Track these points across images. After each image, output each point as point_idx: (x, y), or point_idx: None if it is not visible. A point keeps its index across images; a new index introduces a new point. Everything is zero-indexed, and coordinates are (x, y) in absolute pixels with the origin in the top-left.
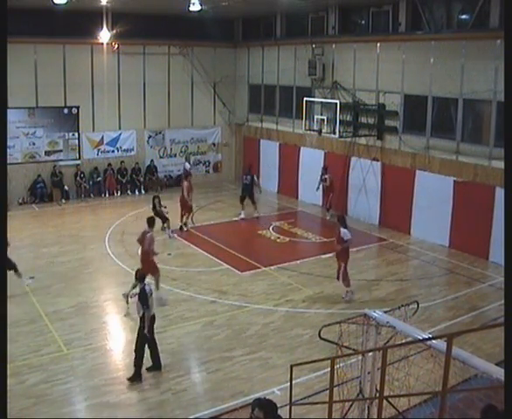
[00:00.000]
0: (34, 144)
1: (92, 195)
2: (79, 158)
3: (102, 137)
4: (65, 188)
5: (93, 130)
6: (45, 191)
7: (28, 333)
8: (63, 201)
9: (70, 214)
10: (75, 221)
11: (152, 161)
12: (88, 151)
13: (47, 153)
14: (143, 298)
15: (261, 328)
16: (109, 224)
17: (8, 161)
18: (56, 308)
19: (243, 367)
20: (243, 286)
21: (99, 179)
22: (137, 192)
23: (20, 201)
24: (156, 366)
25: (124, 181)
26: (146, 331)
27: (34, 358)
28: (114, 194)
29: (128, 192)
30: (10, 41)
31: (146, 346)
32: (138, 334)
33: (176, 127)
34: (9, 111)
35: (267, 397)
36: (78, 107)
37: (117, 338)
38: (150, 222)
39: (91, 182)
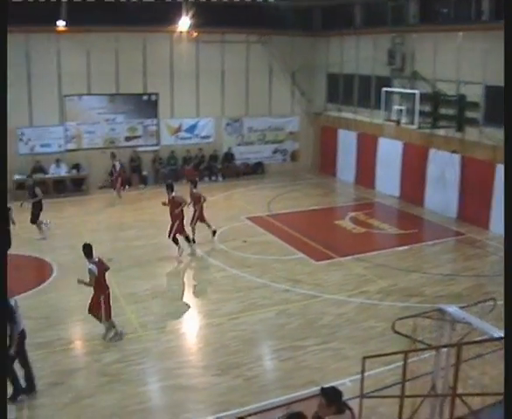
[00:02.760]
0: (114, 130)
1: None
2: (158, 144)
3: (181, 124)
4: (144, 173)
5: (172, 117)
6: (124, 176)
7: None
8: (142, 186)
9: (147, 199)
10: (152, 206)
11: (230, 148)
12: (167, 137)
13: (127, 138)
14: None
15: (334, 319)
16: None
17: (89, 146)
18: (132, 290)
19: (315, 356)
20: (317, 276)
21: (176, 165)
22: (214, 179)
23: (100, 185)
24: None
25: (202, 168)
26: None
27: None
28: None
29: (206, 179)
30: (94, 30)
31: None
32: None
33: (254, 115)
34: (90, 97)
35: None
36: (157, 94)
37: (190, 322)
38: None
39: (168, 168)
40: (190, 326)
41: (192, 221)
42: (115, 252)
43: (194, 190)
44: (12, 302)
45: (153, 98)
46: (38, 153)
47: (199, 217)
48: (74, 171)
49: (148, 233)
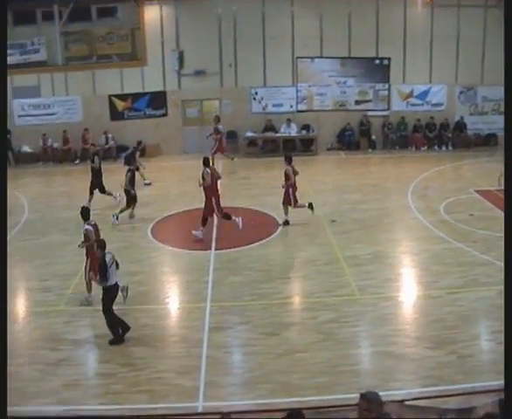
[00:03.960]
0: (345, 93)
1: (397, 147)
2: (388, 109)
3: (412, 90)
4: (372, 137)
5: (403, 82)
6: (353, 139)
7: (324, 273)
8: (369, 150)
9: (374, 164)
10: (379, 171)
11: (462, 117)
12: (397, 103)
13: (357, 102)
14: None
15: None
16: (413, 178)
17: (319, 108)
18: (353, 253)
19: None
20: None
21: (406, 132)
22: (444, 148)
23: (328, 146)
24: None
25: (432, 135)
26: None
27: (327, 297)
28: (419, 148)
29: (435, 147)
30: None
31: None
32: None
33: (490, 84)
34: (322, 60)
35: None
36: (389, 59)
37: (408, 291)
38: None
39: (398, 134)
40: (408, 296)
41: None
42: (339, 214)
43: (287, 167)
44: (108, 257)
45: (385, 62)
46: (269, 112)
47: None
48: (304, 132)
49: (374, 198)
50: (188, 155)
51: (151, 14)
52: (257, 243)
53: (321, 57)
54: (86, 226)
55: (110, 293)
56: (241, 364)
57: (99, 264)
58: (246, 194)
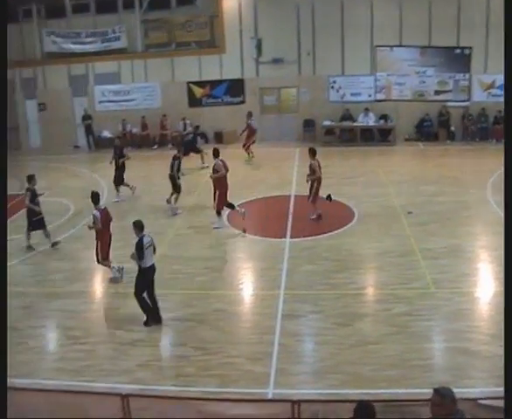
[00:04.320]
0: (424, 83)
1: (477, 139)
2: (468, 100)
3: (494, 80)
4: (452, 129)
5: (485, 72)
6: (432, 130)
7: (399, 264)
8: (448, 142)
9: (453, 156)
10: (457, 163)
11: None
12: (478, 93)
13: (436, 92)
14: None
15: None
16: (493, 171)
17: (398, 98)
18: (429, 246)
19: None
20: None
21: (486, 123)
22: None
23: (406, 137)
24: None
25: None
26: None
27: (401, 289)
28: (500, 140)
29: None
30: None
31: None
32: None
33: None
34: (401, 49)
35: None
36: (470, 48)
37: (485, 286)
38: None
39: (478, 126)
40: (484, 291)
41: (310, 196)
42: (415, 206)
43: (312, 161)
44: (146, 239)
45: (466, 52)
46: (347, 101)
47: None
48: (382, 121)
49: (451, 190)
50: (265, 143)
51: (230, 2)
52: (332, 233)
53: (400, 45)
54: (95, 211)
55: (144, 275)
56: (312, 353)
57: (135, 244)
58: (323, 183)
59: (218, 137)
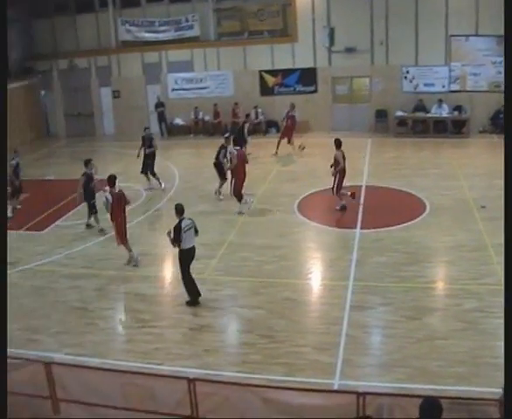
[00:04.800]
0: (500, 73)
1: None
2: None
3: None
4: None
5: None
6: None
7: (470, 259)
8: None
9: None
10: None
11: None
12: None
13: None
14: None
15: None
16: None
17: (473, 88)
18: (502, 241)
19: None
20: None
21: None
22: None
23: (480, 129)
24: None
25: None
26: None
27: (473, 285)
28: None
29: None
30: None
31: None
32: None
33: None
34: (477, 38)
35: None
36: None
37: None
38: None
39: None
40: None
41: (333, 187)
42: (488, 200)
43: (336, 151)
44: (185, 222)
45: None
46: (420, 91)
47: (338, 185)
48: (456, 113)
49: None
50: (337, 133)
51: None
52: (403, 225)
53: (476, 35)
54: (107, 194)
55: (184, 256)
56: (380, 345)
57: (174, 227)
58: (395, 174)
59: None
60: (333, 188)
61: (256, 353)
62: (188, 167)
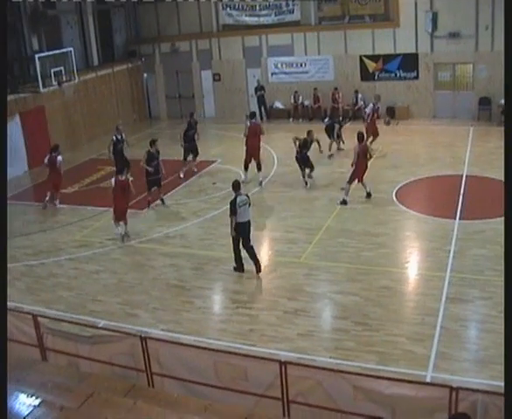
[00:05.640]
0: None
1: None
2: None
3: None
4: None
5: None
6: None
7: None
8: None
9: None
10: None
11: None
12: None
13: None
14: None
15: None
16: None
17: None
18: None
19: None
20: None
21: None
22: None
23: None
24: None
25: None
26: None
27: None
28: None
29: None
30: None
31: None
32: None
33: None
34: None
35: None
36: None
37: None
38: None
39: None
40: None
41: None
42: None
43: (357, 145)
44: (240, 198)
45: None
46: None
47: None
48: None
49: None
50: (438, 120)
51: None
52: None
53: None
54: (113, 178)
55: (238, 229)
56: (476, 340)
57: (230, 201)
58: (497, 164)
59: (391, 112)
60: (352, 178)
61: (350, 340)
62: (287, 150)
